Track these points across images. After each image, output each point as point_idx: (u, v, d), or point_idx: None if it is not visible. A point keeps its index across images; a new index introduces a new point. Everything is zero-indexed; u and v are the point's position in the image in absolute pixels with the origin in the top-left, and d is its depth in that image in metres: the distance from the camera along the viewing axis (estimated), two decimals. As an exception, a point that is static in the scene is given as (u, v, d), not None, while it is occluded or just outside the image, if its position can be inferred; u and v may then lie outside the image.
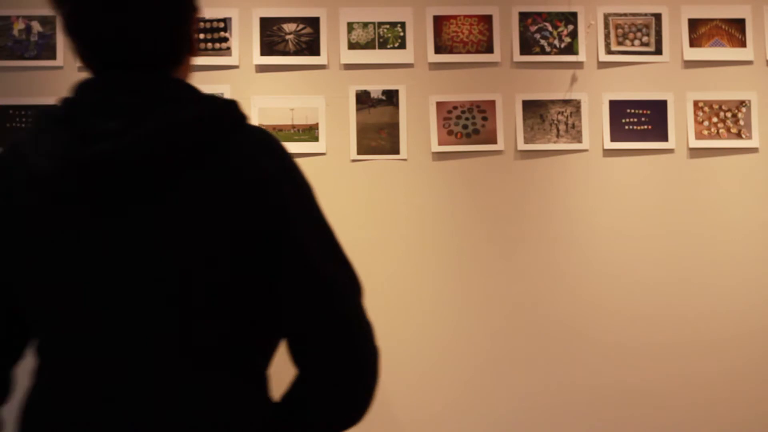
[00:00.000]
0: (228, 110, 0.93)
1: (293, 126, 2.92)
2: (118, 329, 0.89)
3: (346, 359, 0.92)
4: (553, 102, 2.95)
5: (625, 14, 2.99)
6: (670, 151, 2.96)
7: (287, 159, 0.95)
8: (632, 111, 2.97)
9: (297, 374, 0.97)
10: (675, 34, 2.99)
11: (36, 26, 2.92)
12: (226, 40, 2.93)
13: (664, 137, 2.96)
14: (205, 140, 0.89)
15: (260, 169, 0.90)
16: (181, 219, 0.88)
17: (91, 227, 0.89)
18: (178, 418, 0.90)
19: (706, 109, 2.98)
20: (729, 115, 2.98)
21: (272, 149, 0.94)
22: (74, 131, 0.88)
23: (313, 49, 2.94)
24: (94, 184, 0.86)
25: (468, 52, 2.96)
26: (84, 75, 3.02)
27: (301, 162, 2.92)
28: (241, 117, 0.96)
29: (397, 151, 2.92)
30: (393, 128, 2.93)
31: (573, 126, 2.95)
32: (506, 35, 2.97)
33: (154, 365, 0.89)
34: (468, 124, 2.93)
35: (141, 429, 0.89)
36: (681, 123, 2.96)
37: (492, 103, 2.94)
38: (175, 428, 0.89)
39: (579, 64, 2.97)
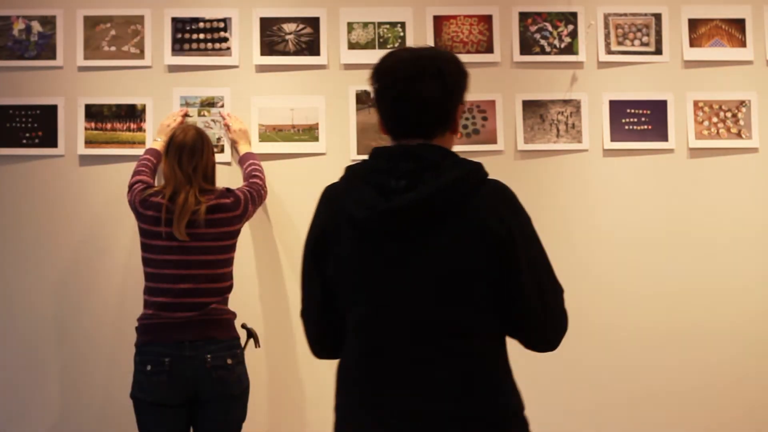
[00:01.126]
0: (476, 171, 1.42)
1: (293, 126, 2.92)
2: (401, 318, 1.41)
3: (551, 329, 1.47)
4: (553, 102, 2.95)
5: (625, 14, 2.99)
6: (670, 151, 2.96)
7: (515, 202, 1.44)
8: (632, 111, 2.96)
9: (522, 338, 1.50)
10: (675, 34, 2.99)
11: (36, 26, 2.92)
12: (226, 40, 2.93)
13: (664, 137, 2.96)
14: (462, 193, 1.38)
15: (498, 212, 1.40)
16: (447, 245, 1.38)
17: (388, 250, 1.41)
18: (464, 386, 1.39)
19: (706, 109, 2.97)
20: (729, 115, 2.97)
21: (503, 196, 1.43)
22: (374, 187, 1.40)
23: (313, 49, 2.94)
24: (389, 225, 1.39)
25: (468, 52, 2.96)
26: (82, 75, 3.00)
27: (301, 162, 2.93)
28: (485, 175, 1.43)
29: (397, 151, 2.92)
30: (393, 128, 2.93)
31: (573, 126, 2.95)
32: (506, 35, 2.97)
33: (434, 346, 1.40)
34: (468, 124, 2.93)
35: (439, 383, 1.39)
36: (681, 123, 2.96)
37: (492, 103, 2.94)
38: (462, 397, 1.38)
39: (579, 64, 2.97)
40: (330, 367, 1.57)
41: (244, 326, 2.58)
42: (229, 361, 2.35)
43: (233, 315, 2.46)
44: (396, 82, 1.44)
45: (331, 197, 1.52)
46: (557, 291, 1.47)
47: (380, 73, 1.49)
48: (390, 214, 1.37)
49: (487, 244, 1.38)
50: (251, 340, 2.60)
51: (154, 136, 2.83)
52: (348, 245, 1.44)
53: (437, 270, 1.39)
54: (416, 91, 1.43)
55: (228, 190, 2.49)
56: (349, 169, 1.50)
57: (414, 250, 1.39)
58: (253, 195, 2.55)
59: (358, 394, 1.47)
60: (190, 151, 2.43)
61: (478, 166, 1.43)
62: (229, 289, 2.46)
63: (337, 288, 1.48)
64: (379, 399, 1.42)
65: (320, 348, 1.58)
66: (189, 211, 2.35)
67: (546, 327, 1.45)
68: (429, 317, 1.40)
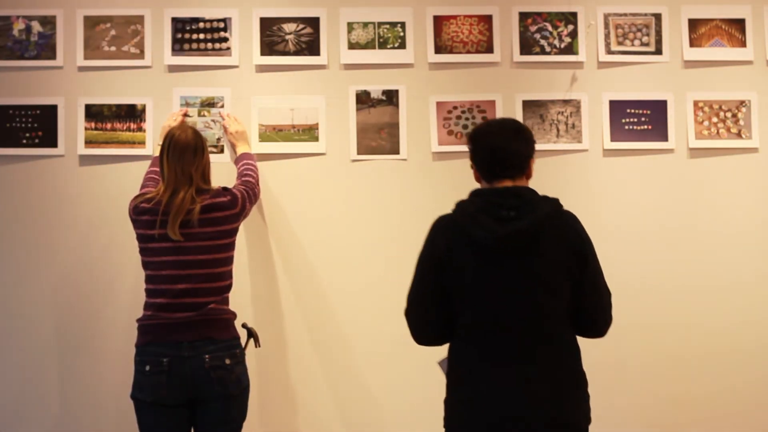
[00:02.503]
0: (557, 204, 1.93)
1: (293, 126, 2.92)
2: (514, 311, 1.87)
3: (603, 322, 1.98)
4: (553, 102, 2.95)
5: (625, 14, 2.99)
6: (670, 151, 2.96)
7: (583, 228, 1.95)
8: (632, 111, 2.96)
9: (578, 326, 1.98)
10: (675, 34, 2.99)
11: (36, 26, 2.92)
12: (226, 40, 2.93)
13: (664, 137, 2.96)
14: (553, 220, 1.89)
15: (576, 233, 1.92)
16: (543, 258, 1.88)
17: (505, 261, 1.88)
18: (555, 359, 1.89)
19: (706, 109, 2.98)
20: (729, 115, 2.98)
21: (576, 222, 1.95)
22: (491, 216, 1.87)
23: (313, 49, 2.94)
24: (506, 244, 1.86)
25: (468, 52, 2.96)
26: (82, 75, 2.98)
27: (301, 162, 2.93)
28: (561, 206, 1.94)
29: (397, 151, 2.92)
30: (393, 128, 2.93)
31: (573, 126, 2.95)
32: (506, 35, 2.97)
33: (536, 331, 1.87)
34: (468, 124, 2.93)
35: (536, 372, 1.87)
36: (681, 123, 2.96)
37: (492, 103, 2.94)
38: (555, 367, 1.89)
39: (579, 64, 2.97)
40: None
41: (244, 326, 2.58)
42: (228, 361, 2.34)
43: (233, 315, 2.46)
44: (494, 140, 1.96)
45: (447, 225, 1.95)
46: (608, 294, 1.98)
47: (479, 134, 2.00)
48: (509, 236, 1.85)
49: (570, 257, 1.89)
50: (251, 340, 2.60)
51: (156, 140, 2.82)
52: (470, 259, 1.89)
53: (542, 274, 1.87)
54: (509, 145, 1.94)
55: (224, 188, 2.48)
56: (461, 205, 1.95)
57: (524, 261, 1.87)
58: (249, 193, 2.56)
59: (476, 371, 1.91)
60: (192, 151, 2.42)
61: (557, 201, 1.94)
62: (228, 288, 2.45)
63: (454, 291, 1.91)
64: (492, 371, 1.88)
65: (429, 338, 2.01)
66: (183, 210, 2.34)
67: (600, 319, 1.97)
68: (537, 309, 1.87)
